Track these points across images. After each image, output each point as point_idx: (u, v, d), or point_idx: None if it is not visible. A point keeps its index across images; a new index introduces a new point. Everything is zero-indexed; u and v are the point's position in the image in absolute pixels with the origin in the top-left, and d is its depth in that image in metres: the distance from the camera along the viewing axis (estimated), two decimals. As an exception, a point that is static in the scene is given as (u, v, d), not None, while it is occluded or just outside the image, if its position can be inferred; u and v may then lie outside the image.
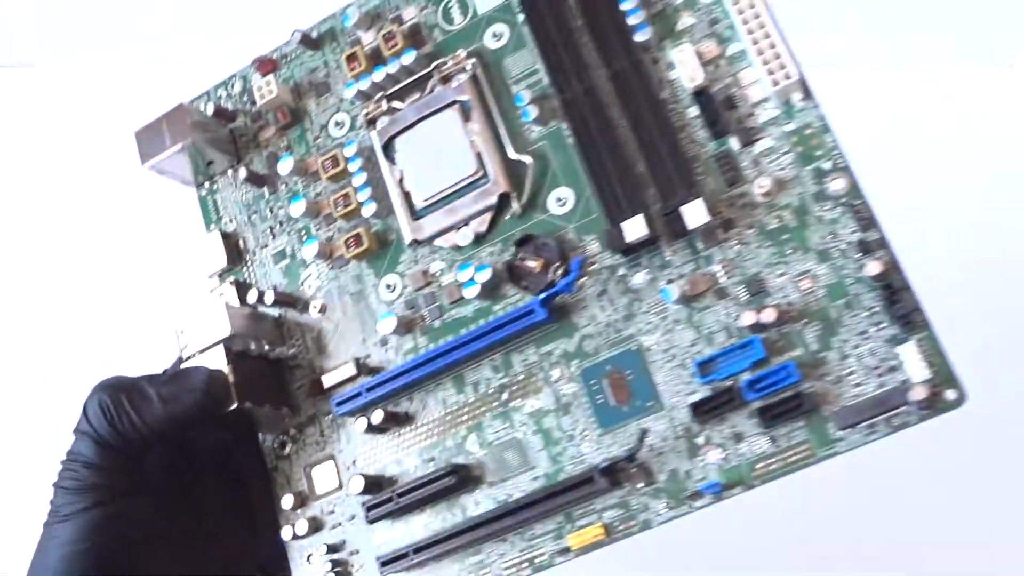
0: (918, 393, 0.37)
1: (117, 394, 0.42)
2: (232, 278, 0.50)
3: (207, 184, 0.52)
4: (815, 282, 0.40)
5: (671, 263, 0.42)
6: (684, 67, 0.43)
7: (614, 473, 0.41)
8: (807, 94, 0.41)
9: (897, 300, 0.38)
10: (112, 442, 0.42)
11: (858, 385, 0.39)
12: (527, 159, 0.45)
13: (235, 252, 0.51)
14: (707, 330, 0.41)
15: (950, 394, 0.38)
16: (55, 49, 0.49)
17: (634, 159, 0.43)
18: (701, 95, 0.42)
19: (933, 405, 0.38)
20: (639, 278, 0.43)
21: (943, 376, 0.38)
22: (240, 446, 0.48)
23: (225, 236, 0.51)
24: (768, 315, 0.39)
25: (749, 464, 0.40)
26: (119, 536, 0.42)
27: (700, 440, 0.41)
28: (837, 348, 0.39)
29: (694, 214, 0.40)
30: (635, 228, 0.41)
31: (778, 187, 0.41)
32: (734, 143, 0.42)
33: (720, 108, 0.42)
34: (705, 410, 0.40)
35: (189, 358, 0.46)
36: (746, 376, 0.40)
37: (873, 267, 0.38)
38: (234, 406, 0.44)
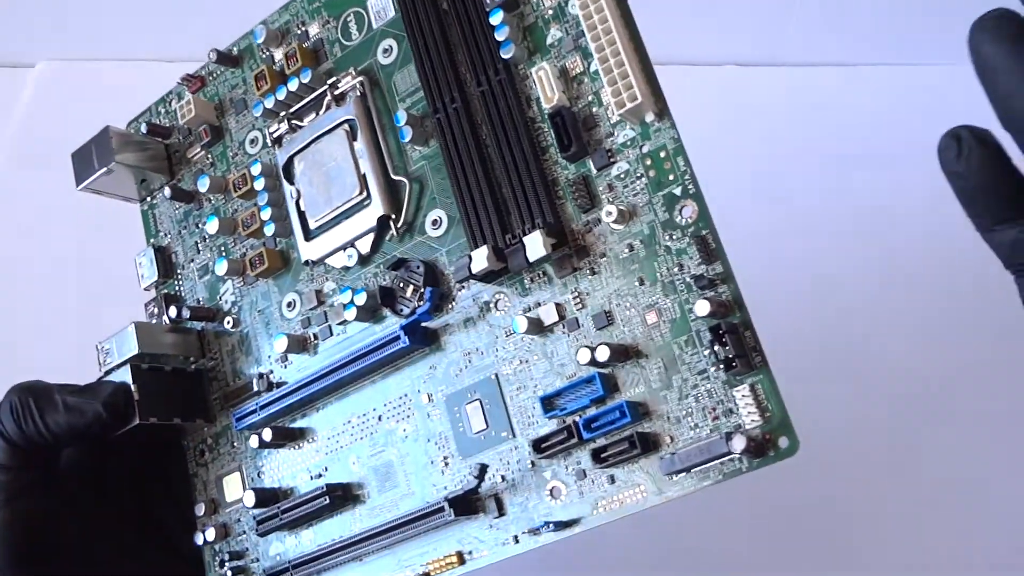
0: (739, 443, 0.35)
1: (26, 396, 0.45)
2: (165, 291, 0.53)
3: (148, 200, 0.55)
4: (660, 316, 0.38)
5: (530, 291, 0.41)
6: (541, 88, 0.41)
7: (466, 503, 0.41)
8: (662, 115, 0.39)
9: (724, 341, 0.36)
10: (19, 442, 0.45)
11: (695, 427, 0.37)
12: (404, 180, 0.45)
13: (168, 265, 0.53)
14: (558, 362, 0.40)
15: (783, 442, 0.35)
16: (55, 49, 0.51)
17: (502, 181, 0.42)
18: (556, 116, 0.41)
19: (763, 453, 0.36)
20: (501, 306, 0.42)
21: (776, 422, 0.35)
22: (172, 451, 0.51)
23: (159, 250, 0.53)
24: (602, 353, 0.38)
25: (590, 503, 0.39)
26: (28, 534, 0.45)
27: (547, 474, 0.40)
28: (677, 387, 0.38)
29: (534, 246, 0.39)
30: (480, 259, 0.40)
31: (629, 214, 0.39)
32: (592, 166, 0.40)
33: (579, 129, 0.40)
34: (545, 447, 0.39)
35: (108, 372, 0.49)
36: (591, 411, 0.39)
37: (702, 307, 0.36)
38: (136, 422, 0.46)
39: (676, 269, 0.38)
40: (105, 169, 0.51)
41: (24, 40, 0.49)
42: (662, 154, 0.39)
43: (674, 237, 0.38)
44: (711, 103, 0.42)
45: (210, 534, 0.48)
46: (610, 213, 0.39)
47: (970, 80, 0.30)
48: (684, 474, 0.37)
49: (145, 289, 0.54)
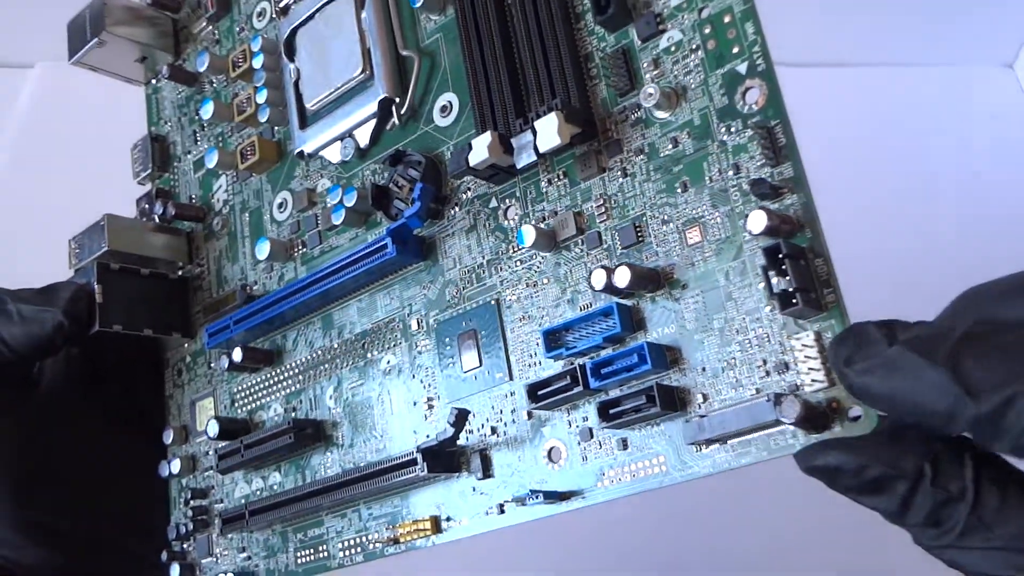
0: (791, 409, 0.25)
1: None
2: (159, 185, 0.46)
3: (153, 82, 0.48)
4: (704, 234, 0.29)
5: (547, 195, 0.32)
6: (578, -69, 0.32)
7: (443, 457, 0.33)
8: (730, -35, 0.29)
9: (784, 269, 0.26)
10: None
11: (737, 384, 0.27)
12: (413, 56, 0.36)
13: (164, 157, 0.46)
14: (572, 288, 0.31)
15: (854, 412, 0.25)
16: (55, 49, 0.47)
17: (524, 55, 0.33)
18: (595, -30, 0.31)
19: (824, 426, 0.26)
20: (511, 213, 0.33)
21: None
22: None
23: (156, 139, 0.46)
24: (621, 276, 0.29)
25: (594, 472, 0.30)
26: (14, 446, 0.40)
27: (547, 430, 0.31)
28: (719, 329, 0.28)
29: (547, 133, 0.30)
30: (481, 149, 0.31)
31: (676, 97, 0.30)
32: (635, 35, 0.31)
33: (623, -13, 0.31)
34: (541, 395, 0.30)
35: (78, 271, 0.42)
36: (606, 351, 0.30)
37: (757, 220, 0.26)
38: (96, 328, 0.40)
39: (731, 172, 0.28)
40: (96, 40, 0.44)
41: (24, 40, 0.44)
42: (726, 19, 0.29)
43: (733, 129, 0.28)
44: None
45: (175, 466, 0.42)
46: (651, 95, 0.29)
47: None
48: (716, 445, 0.28)
49: (139, 183, 0.47)
